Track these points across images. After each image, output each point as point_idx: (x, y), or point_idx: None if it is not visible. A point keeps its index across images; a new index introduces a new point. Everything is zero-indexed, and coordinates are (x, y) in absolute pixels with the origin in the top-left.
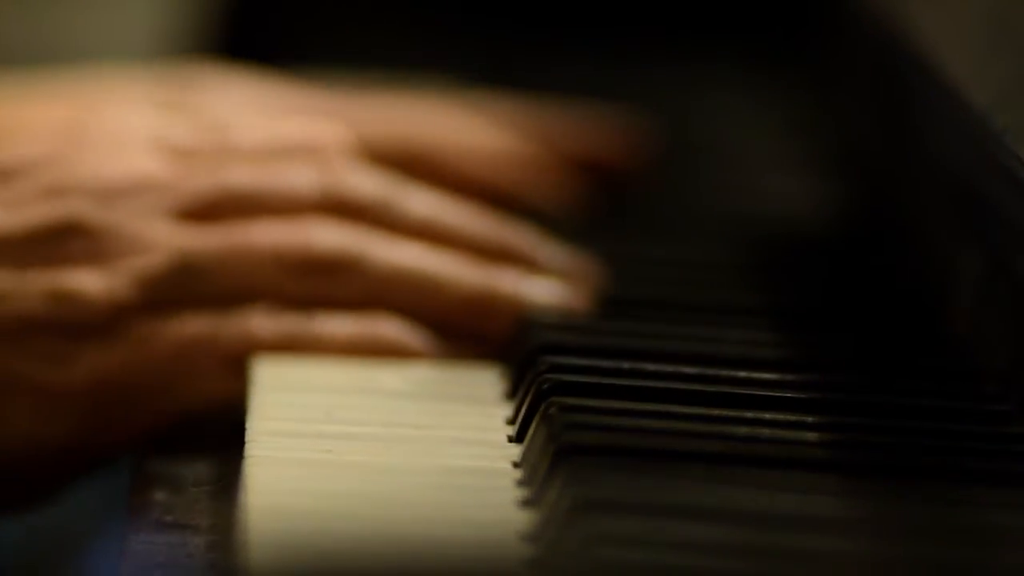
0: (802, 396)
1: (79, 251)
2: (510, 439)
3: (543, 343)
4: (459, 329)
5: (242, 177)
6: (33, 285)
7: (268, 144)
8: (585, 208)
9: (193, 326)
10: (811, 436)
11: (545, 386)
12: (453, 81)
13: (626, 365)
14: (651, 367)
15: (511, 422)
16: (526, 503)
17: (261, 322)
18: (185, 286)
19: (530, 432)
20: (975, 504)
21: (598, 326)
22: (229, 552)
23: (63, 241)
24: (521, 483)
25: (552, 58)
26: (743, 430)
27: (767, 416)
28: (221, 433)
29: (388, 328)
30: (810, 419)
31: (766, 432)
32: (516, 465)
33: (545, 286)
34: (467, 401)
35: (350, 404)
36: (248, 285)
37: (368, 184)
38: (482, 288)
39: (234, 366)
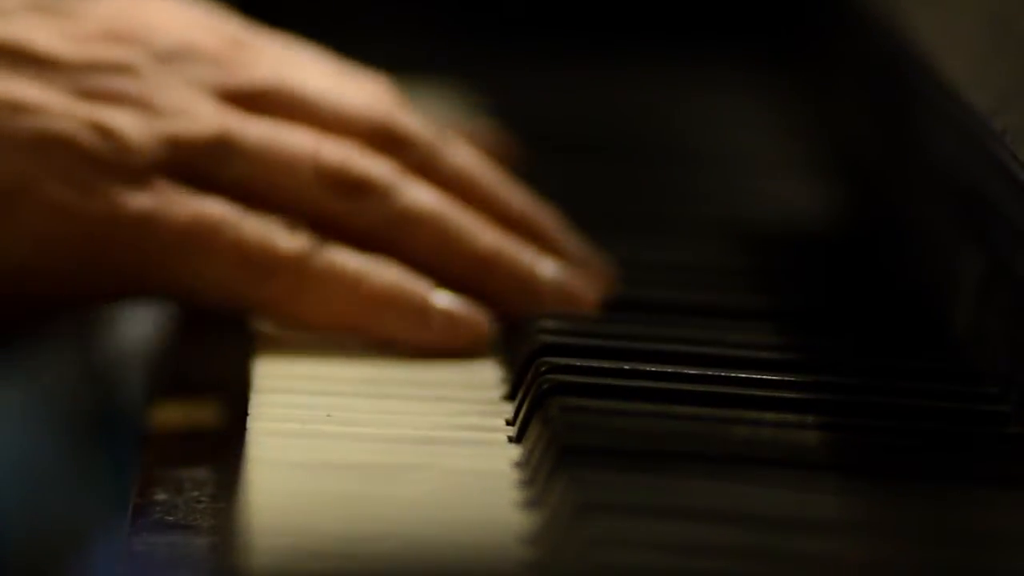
0: (802, 397)
1: (127, 96)
2: (510, 440)
3: (543, 344)
4: (465, 284)
5: (303, 78)
6: (77, 111)
7: (328, 69)
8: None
9: (217, 207)
10: (811, 437)
11: (545, 387)
12: (451, 84)
13: (626, 366)
14: (651, 368)
15: (511, 423)
16: (527, 504)
17: (281, 232)
18: (221, 163)
19: (530, 433)
20: (975, 505)
21: (598, 327)
22: (230, 553)
23: (115, 81)
24: (522, 484)
25: (551, 60)
26: (744, 431)
27: (768, 417)
28: (222, 434)
29: (394, 272)
30: (811, 420)
31: (767, 433)
32: (517, 466)
33: (557, 268)
34: (467, 402)
35: (351, 405)
36: (280, 184)
37: (416, 124)
38: (496, 249)
39: (246, 263)
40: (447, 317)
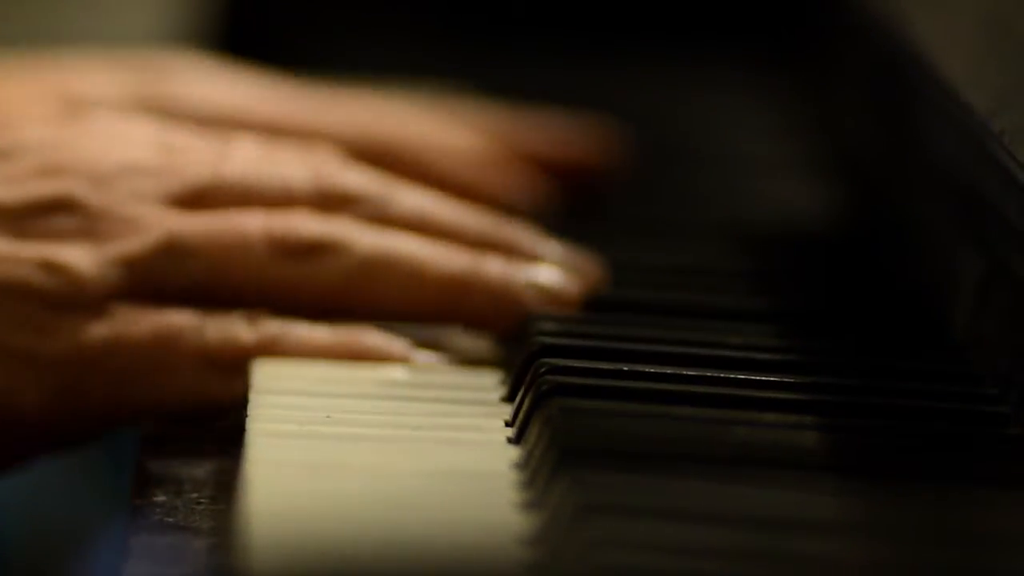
0: (802, 398)
1: (71, 228)
2: (510, 441)
3: (542, 345)
4: (445, 316)
5: (235, 167)
6: (23, 254)
7: (262, 141)
8: (554, 208)
9: (176, 317)
10: (811, 438)
11: (545, 388)
12: (445, 85)
13: (626, 367)
14: (651, 369)
15: (511, 424)
16: (527, 506)
17: (243, 326)
18: (175, 268)
19: (530, 434)
20: (974, 506)
21: (598, 329)
22: (230, 554)
23: (56, 217)
24: (521, 486)
25: (549, 61)
26: (744, 432)
27: (767, 418)
28: (221, 435)
29: (369, 336)
30: (810, 421)
31: (767, 434)
32: (516, 467)
33: (532, 271)
34: (467, 403)
35: (350, 406)
36: (236, 270)
37: (359, 179)
38: (467, 269)
39: (213, 366)
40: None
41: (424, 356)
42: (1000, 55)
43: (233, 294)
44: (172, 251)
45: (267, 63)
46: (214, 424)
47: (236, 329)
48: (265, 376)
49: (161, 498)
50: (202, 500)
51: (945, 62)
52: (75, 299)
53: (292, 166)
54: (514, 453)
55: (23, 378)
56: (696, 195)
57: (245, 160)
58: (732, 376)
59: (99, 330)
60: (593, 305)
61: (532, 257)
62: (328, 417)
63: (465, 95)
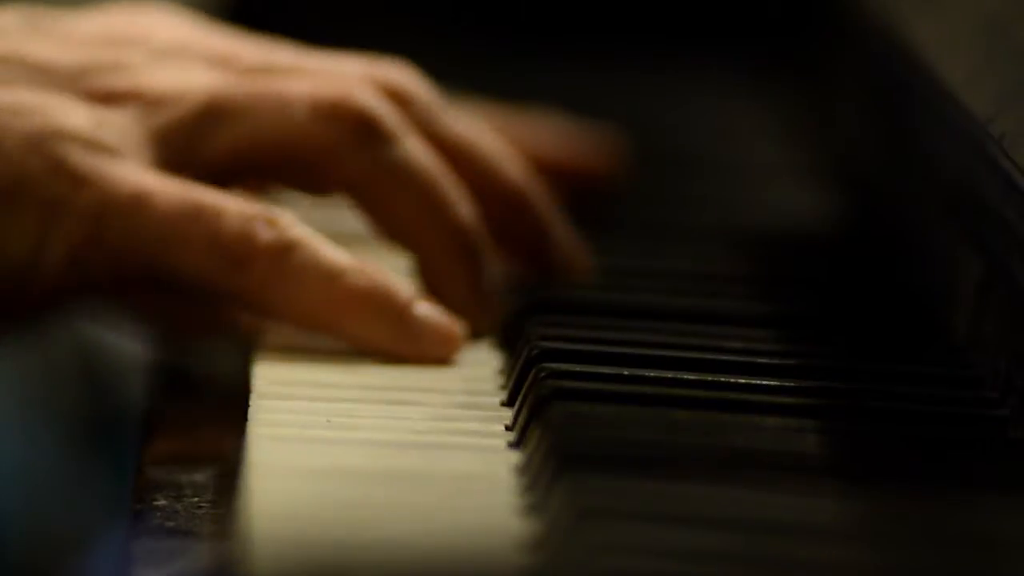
0: (802, 402)
1: (122, 90)
2: (510, 445)
3: (542, 350)
4: (427, 256)
5: (287, 56)
6: (72, 108)
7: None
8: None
9: (202, 195)
10: (811, 442)
11: (545, 392)
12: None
13: (626, 371)
14: (651, 373)
15: (511, 428)
16: (527, 510)
17: (262, 224)
18: (214, 131)
19: (530, 439)
20: (975, 510)
21: (597, 333)
22: (231, 559)
23: (109, 78)
24: (522, 490)
25: (550, 66)
26: (744, 436)
27: (768, 422)
28: (222, 439)
29: (381, 272)
30: (810, 425)
31: (767, 438)
32: (516, 472)
33: (494, 283)
34: (467, 407)
35: (350, 409)
36: (274, 131)
37: (418, 85)
38: (470, 224)
39: (220, 252)
40: (424, 326)
41: (428, 309)
42: (999, 59)
43: (265, 160)
44: (214, 112)
45: None
46: (214, 428)
47: (255, 224)
48: (266, 380)
49: (162, 502)
50: (203, 504)
51: (944, 66)
52: (116, 153)
53: (351, 60)
54: (514, 457)
55: (53, 227)
56: (696, 200)
57: (301, 55)
58: (732, 380)
59: (128, 187)
60: (593, 309)
61: (548, 227)
62: (328, 422)
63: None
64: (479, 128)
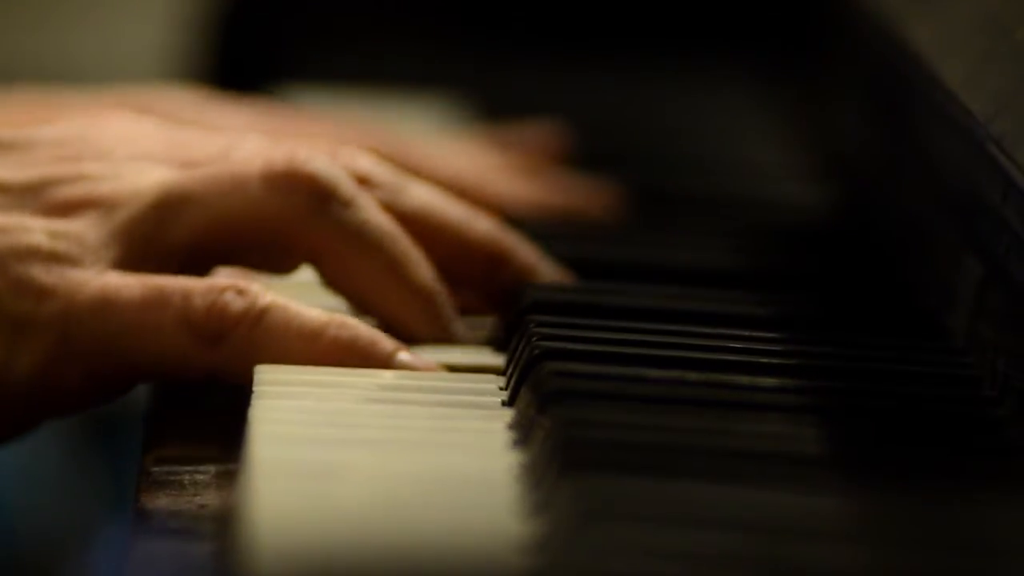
0: (802, 402)
1: (80, 199)
2: (512, 446)
3: (545, 350)
4: (394, 316)
5: (244, 152)
6: (33, 221)
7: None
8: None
9: (166, 281)
10: (811, 442)
11: (547, 392)
12: (451, 96)
13: (629, 371)
14: (654, 373)
15: (513, 428)
16: (530, 511)
17: (232, 295)
18: (175, 219)
19: (533, 439)
20: (973, 511)
21: (600, 333)
22: (233, 559)
23: (64, 190)
24: (524, 491)
25: (550, 67)
26: (747, 435)
27: (770, 421)
28: (224, 440)
29: (361, 328)
30: (810, 425)
31: (769, 438)
32: (519, 472)
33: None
34: (469, 407)
35: (352, 411)
36: (229, 208)
37: (373, 164)
38: (431, 283)
39: (196, 333)
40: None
41: (409, 358)
42: (998, 59)
43: (228, 242)
44: (170, 201)
45: (268, 72)
46: (216, 428)
47: (223, 297)
48: (268, 380)
49: (163, 503)
50: (204, 505)
51: (944, 66)
52: (77, 260)
53: (305, 146)
54: (517, 458)
55: (19, 344)
56: (697, 199)
57: (259, 146)
58: (734, 379)
59: (92, 292)
60: (594, 310)
61: (531, 270)
62: (330, 422)
63: (466, 105)
64: (439, 195)
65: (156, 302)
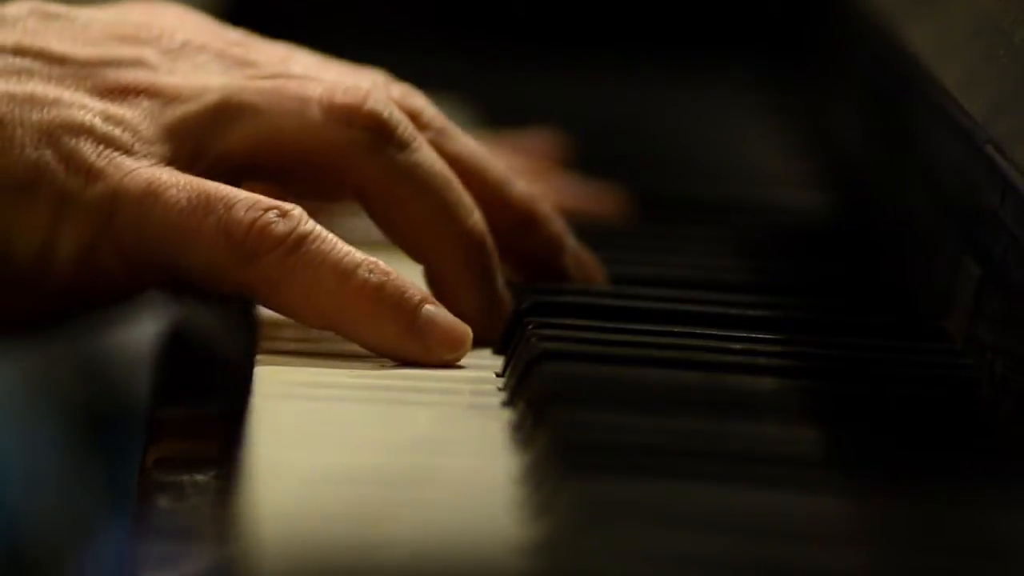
0: (801, 402)
1: (138, 86)
2: (511, 446)
3: (544, 351)
4: (436, 261)
5: (302, 69)
6: (88, 101)
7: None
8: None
9: (216, 190)
10: (809, 444)
11: (547, 393)
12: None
13: (628, 373)
14: (653, 374)
15: (513, 430)
16: (530, 513)
17: (274, 215)
18: (228, 128)
19: (533, 441)
20: (972, 511)
21: (599, 335)
22: (233, 560)
23: (125, 73)
24: (524, 493)
25: (550, 72)
26: (746, 438)
27: (769, 424)
28: (224, 440)
29: (388, 272)
30: (809, 426)
31: (768, 440)
32: (519, 474)
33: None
34: (469, 408)
35: (351, 412)
36: (287, 128)
37: (427, 104)
38: (481, 236)
39: (234, 244)
40: (433, 328)
41: (436, 310)
42: (996, 62)
43: (279, 160)
44: (229, 111)
45: None
46: (216, 429)
47: (266, 218)
48: (267, 380)
49: (164, 503)
50: (204, 506)
51: (942, 68)
52: (128, 147)
53: (362, 76)
54: (516, 459)
55: (63, 219)
56: (697, 204)
57: (311, 61)
58: (734, 381)
59: (139, 182)
60: (594, 311)
61: (559, 239)
62: (330, 423)
63: (465, 109)
64: (485, 148)
65: (200, 207)
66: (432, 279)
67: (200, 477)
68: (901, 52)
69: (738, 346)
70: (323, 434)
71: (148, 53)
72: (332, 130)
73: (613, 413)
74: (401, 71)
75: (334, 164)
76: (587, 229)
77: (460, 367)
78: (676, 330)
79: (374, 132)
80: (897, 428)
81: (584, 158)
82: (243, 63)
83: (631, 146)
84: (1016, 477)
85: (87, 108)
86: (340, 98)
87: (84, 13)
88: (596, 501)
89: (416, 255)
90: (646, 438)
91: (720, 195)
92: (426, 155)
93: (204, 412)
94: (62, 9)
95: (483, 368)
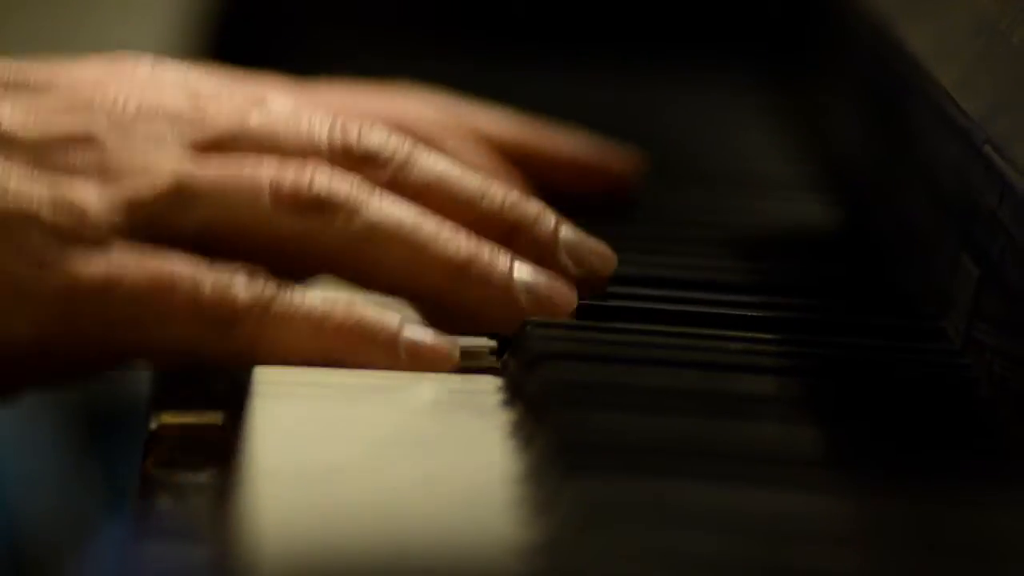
0: (802, 404)
1: (87, 166)
2: (511, 448)
3: (543, 351)
4: (441, 298)
5: (260, 118)
6: (36, 187)
7: (293, 104)
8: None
9: (175, 264)
10: (811, 445)
11: (546, 393)
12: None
13: (628, 373)
14: (653, 374)
15: (511, 431)
16: (530, 514)
17: (240, 282)
18: (181, 212)
19: (533, 442)
20: (971, 511)
21: (598, 335)
22: (233, 561)
23: (75, 152)
24: (524, 494)
25: (547, 72)
26: (746, 438)
27: (769, 424)
28: (224, 441)
29: (364, 308)
30: (810, 427)
31: (768, 440)
32: (518, 475)
33: (536, 274)
34: (468, 408)
35: (350, 412)
36: (240, 219)
37: (382, 138)
38: (468, 256)
39: (205, 319)
40: (418, 348)
41: (416, 333)
42: (994, 62)
43: (237, 244)
44: (180, 195)
45: (262, 68)
46: (216, 429)
47: (233, 285)
48: (266, 380)
49: (164, 503)
50: (205, 506)
51: (940, 69)
52: (79, 235)
53: (317, 121)
54: (516, 460)
55: (19, 309)
56: (695, 201)
57: (272, 112)
58: (733, 381)
59: (97, 268)
60: (593, 312)
61: (548, 240)
62: (330, 425)
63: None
64: (450, 164)
65: (164, 287)
66: (438, 308)
67: (200, 477)
68: (900, 52)
69: (738, 346)
70: (323, 434)
71: (99, 127)
72: (284, 220)
73: (613, 413)
74: (401, 71)
75: (292, 251)
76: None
77: (467, 346)
78: (676, 330)
79: (325, 212)
80: (896, 428)
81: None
82: (199, 126)
83: (631, 146)
84: (1015, 477)
85: (36, 196)
86: (288, 185)
87: (41, 75)
88: (596, 501)
89: (411, 301)
90: (646, 438)
91: (719, 195)
92: (385, 210)
93: (204, 412)
94: (21, 77)
95: (482, 368)
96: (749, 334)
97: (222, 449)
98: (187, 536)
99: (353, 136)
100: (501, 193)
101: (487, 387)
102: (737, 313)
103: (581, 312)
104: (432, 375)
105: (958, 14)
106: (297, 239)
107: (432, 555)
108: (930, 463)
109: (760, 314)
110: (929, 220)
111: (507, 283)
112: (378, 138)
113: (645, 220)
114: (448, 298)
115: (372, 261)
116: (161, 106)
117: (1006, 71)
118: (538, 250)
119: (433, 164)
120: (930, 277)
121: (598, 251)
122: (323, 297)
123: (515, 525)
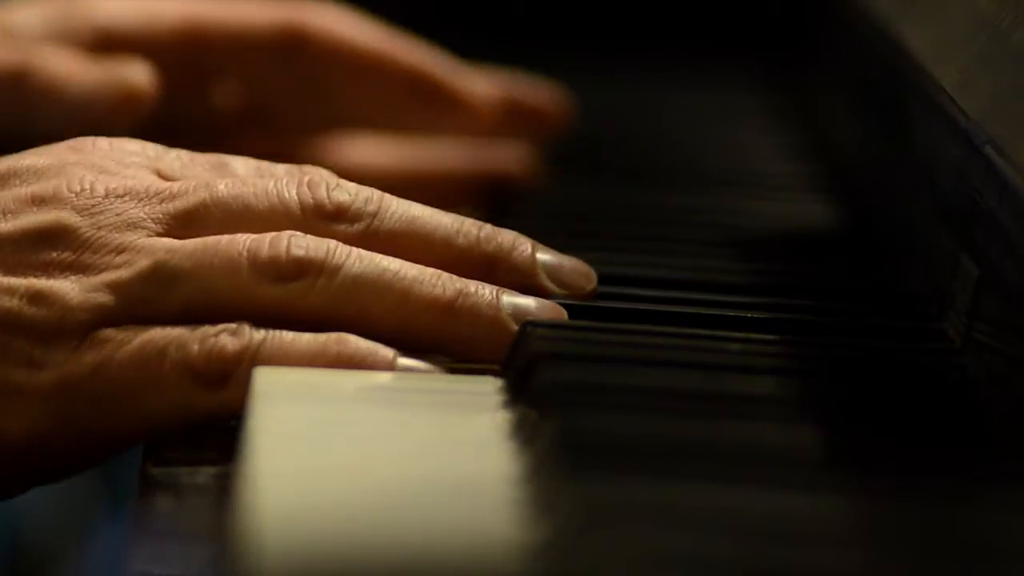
0: (802, 405)
1: (62, 258)
2: (512, 448)
3: (543, 352)
4: (433, 340)
5: (226, 188)
6: (13, 286)
7: (256, 164)
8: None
9: (159, 334)
10: (811, 445)
11: (546, 395)
12: None
13: (628, 374)
14: (653, 375)
15: (511, 431)
16: (530, 515)
17: (226, 336)
18: (163, 293)
19: (533, 442)
20: (971, 511)
21: (598, 336)
22: (232, 561)
23: (47, 246)
24: (524, 495)
25: (548, 72)
26: (745, 439)
27: (768, 425)
28: (223, 441)
29: (353, 342)
30: (810, 428)
31: (768, 441)
32: (518, 476)
33: (521, 299)
34: (468, 409)
35: (351, 413)
36: (223, 292)
37: (349, 193)
38: (455, 293)
39: (198, 379)
40: (411, 371)
41: (410, 362)
42: (993, 61)
43: (222, 317)
44: (160, 278)
45: None
46: (216, 429)
47: (219, 340)
48: (266, 382)
49: (164, 504)
50: (205, 506)
51: (940, 69)
52: (63, 330)
53: (284, 180)
54: (516, 460)
55: (10, 411)
56: (693, 201)
57: (236, 180)
58: (733, 381)
59: (85, 358)
60: (593, 312)
61: (528, 267)
62: (330, 425)
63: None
64: (420, 208)
65: (153, 358)
66: (436, 346)
67: (200, 477)
68: (899, 52)
69: (737, 347)
70: (322, 435)
71: (69, 216)
72: (266, 289)
73: (613, 414)
74: None
75: (276, 317)
76: (583, 231)
77: (460, 367)
78: (675, 331)
79: (307, 274)
80: (896, 428)
81: (583, 158)
82: (169, 203)
83: (630, 146)
84: (1015, 477)
85: (12, 293)
86: (265, 254)
87: (4, 165)
88: (596, 502)
89: (404, 346)
90: (646, 439)
91: (718, 195)
92: (364, 264)
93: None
94: None
95: (483, 369)
96: (749, 335)
97: (222, 449)
98: (187, 536)
99: (322, 193)
100: (475, 227)
101: (487, 387)
102: (737, 314)
103: (581, 313)
104: (432, 375)
105: (958, 14)
106: (280, 306)
107: (432, 555)
108: (930, 463)
109: (760, 315)
110: (928, 220)
111: (496, 313)
112: (347, 191)
113: (645, 220)
114: (441, 337)
115: (360, 313)
116: (127, 187)
117: (1006, 71)
118: (520, 277)
119: (405, 209)
120: (930, 277)
121: (578, 270)
122: (311, 336)
123: (515, 526)
